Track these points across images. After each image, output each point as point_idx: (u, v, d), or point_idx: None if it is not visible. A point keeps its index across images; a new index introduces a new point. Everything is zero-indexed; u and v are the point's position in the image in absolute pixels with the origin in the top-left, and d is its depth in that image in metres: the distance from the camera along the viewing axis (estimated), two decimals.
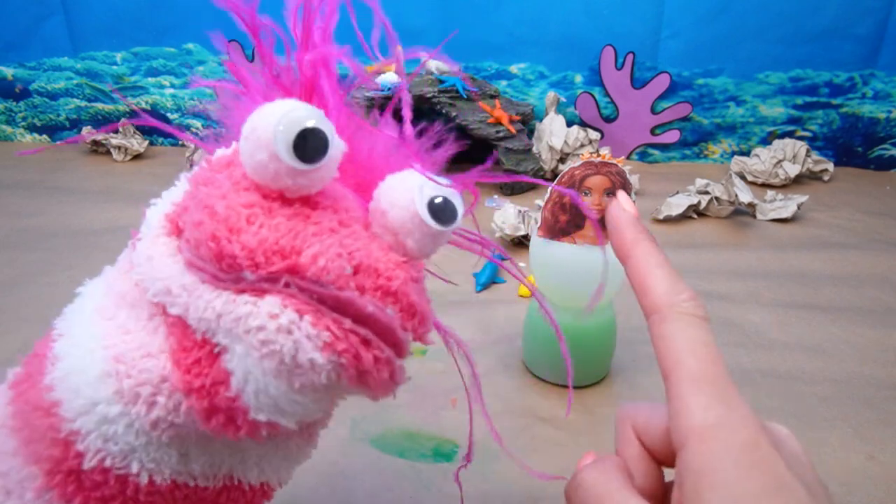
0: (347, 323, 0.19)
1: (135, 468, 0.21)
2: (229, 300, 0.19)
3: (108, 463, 0.21)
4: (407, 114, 0.24)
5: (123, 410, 0.20)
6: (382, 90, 0.89)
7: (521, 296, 0.65)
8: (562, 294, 0.49)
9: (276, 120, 0.19)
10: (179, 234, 0.21)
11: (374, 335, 0.20)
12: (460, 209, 0.21)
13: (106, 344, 0.21)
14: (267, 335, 0.19)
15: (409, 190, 0.21)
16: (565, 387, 0.51)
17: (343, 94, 0.23)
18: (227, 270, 0.19)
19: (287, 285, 0.19)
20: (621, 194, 0.26)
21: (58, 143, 1.13)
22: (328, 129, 0.20)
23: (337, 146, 0.20)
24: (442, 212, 0.21)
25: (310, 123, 0.19)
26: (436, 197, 0.21)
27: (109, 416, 0.20)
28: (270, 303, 0.19)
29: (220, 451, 0.23)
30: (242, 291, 0.19)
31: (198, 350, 0.20)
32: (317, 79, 0.22)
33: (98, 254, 0.73)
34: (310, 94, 0.23)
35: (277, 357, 0.19)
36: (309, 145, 0.19)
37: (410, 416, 0.47)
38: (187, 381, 0.20)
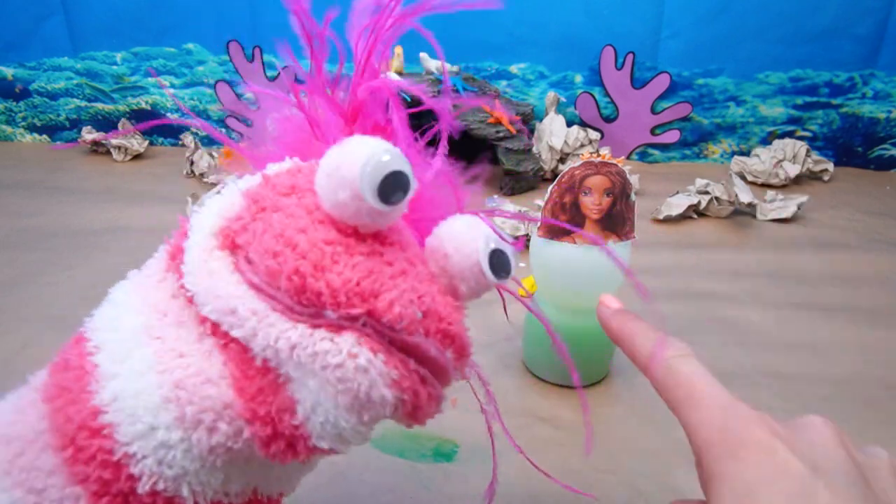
0: (412, 363, 0.21)
1: (185, 492, 0.21)
2: (305, 334, 0.20)
3: (160, 486, 0.21)
4: (444, 144, 0.25)
5: (184, 436, 0.20)
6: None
7: (521, 295, 0.65)
8: (562, 294, 0.49)
9: (363, 161, 0.19)
10: (233, 249, 0.21)
11: (430, 374, 0.21)
12: (514, 266, 0.23)
13: (161, 368, 0.21)
14: (345, 373, 0.19)
15: (474, 239, 0.22)
16: (565, 387, 0.51)
17: (410, 129, 0.25)
18: (306, 305, 0.20)
19: (364, 325, 0.20)
20: (605, 298, 0.30)
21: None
22: (409, 171, 0.20)
23: (414, 187, 0.21)
24: (500, 266, 0.22)
25: (396, 167, 0.20)
26: (498, 251, 0.22)
27: (169, 441, 0.20)
28: (349, 341, 0.20)
29: (256, 470, 0.23)
30: (318, 326, 0.20)
31: (261, 378, 0.21)
32: (371, 110, 0.24)
33: (98, 254, 0.73)
34: (355, 117, 0.24)
35: (353, 393, 0.20)
36: (393, 188, 0.20)
37: None
38: (251, 408, 0.20)
